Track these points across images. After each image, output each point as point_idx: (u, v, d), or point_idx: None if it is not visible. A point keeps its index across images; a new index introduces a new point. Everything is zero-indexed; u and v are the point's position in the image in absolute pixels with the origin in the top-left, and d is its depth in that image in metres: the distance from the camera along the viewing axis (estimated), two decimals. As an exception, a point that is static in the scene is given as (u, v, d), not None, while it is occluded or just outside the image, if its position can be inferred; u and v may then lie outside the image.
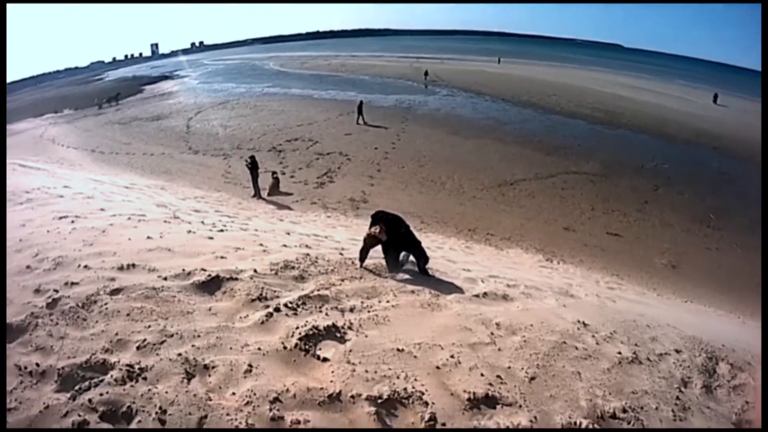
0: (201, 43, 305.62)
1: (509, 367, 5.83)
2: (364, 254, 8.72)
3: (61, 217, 10.38)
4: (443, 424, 4.68)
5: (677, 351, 7.64)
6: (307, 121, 40.15)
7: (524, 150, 31.34)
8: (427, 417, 4.72)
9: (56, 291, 6.50)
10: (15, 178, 16.20)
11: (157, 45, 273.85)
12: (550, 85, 59.34)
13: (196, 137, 37.98)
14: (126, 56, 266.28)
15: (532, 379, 5.69)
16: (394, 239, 8.69)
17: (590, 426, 5.07)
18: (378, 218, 8.85)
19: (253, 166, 23.66)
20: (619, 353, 6.84)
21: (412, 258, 9.12)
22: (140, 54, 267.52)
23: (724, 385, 6.97)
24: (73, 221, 10.05)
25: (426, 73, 62.90)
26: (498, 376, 5.57)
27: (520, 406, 5.15)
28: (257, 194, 23.81)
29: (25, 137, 46.75)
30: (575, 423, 5.06)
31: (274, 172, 25.31)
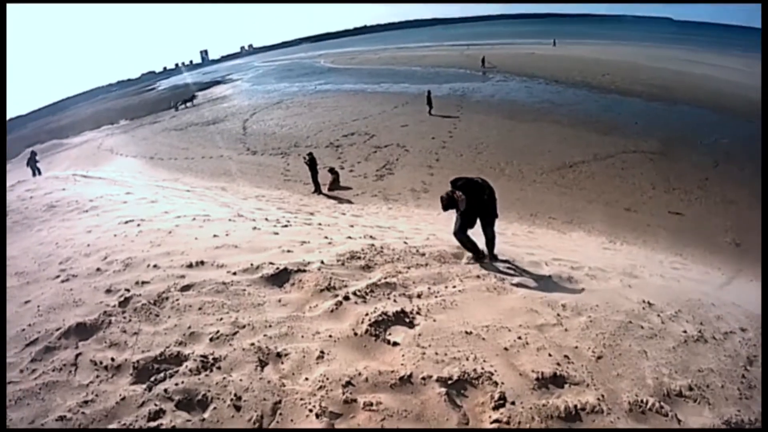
0: (250, 46, 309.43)
1: (576, 347, 5.86)
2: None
3: (126, 222, 10.74)
4: (512, 403, 4.76)
5: (742, 329, 7.55)
6: (362, 115, 40.22)
7: (581, 131, 30.82)
8: (497, 396, 4.79)
9: (127, 290, 6.79)
10: (78, 188, 16.71)
11: (206, 51, 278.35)
12: (603, 63, 58.09)
13: (253, 138, 38.40)
14: (176, 65, 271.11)
15: (599, 358, 5.72)
16: (474, 206, 8.67)
17: (657, 403, 5.06)
18: (457, 183, 8.80)
19: (311, 163, 23.83)
20: (685, 332, 6.80)
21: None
22: (191, 61, 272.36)
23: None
24: (138, 224, 10.39)
25: (483, 60, 62.04)
26: (565, 356, 5.61)
27: (588, 385, 5.19)
28: (318, 190, 23.98)
29: (84, 149, 47.95)
30: (642, 401, 5.08)
31: (332, 168, 25.42)
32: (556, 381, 5.16)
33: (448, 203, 8.70)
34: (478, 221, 8.85)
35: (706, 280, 12.41)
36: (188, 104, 65.89)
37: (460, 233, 8.62)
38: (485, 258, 8.66)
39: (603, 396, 5.04)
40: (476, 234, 8.78)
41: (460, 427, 4.52)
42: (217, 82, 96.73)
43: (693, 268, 14.14)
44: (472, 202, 8.59)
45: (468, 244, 8.66)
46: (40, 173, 31.46)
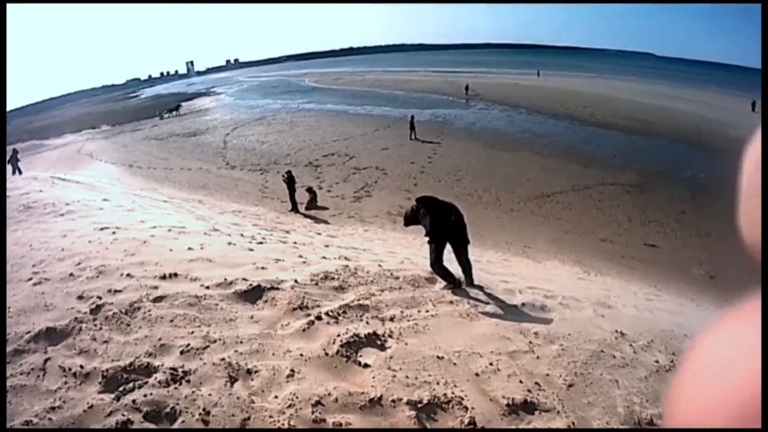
0: (236, 60, 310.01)
1: (547, 375, 5.87)
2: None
3: (102, 228, 10.63)
4: (482, 429, 4.75)
5: (716, 361, 7.59)
6: (344, 136, 40.34)
7: (560, 162, 31.11)
8: (466, 421, 4.79)
9: (99, 298, 6.72)
10: (55, 191, 16.56)
11: (192, 62, 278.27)
12: (585, 96, 58.95)
13: (233, 152, 38.35)
14: (162, 73, 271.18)
15: (570, 386, 5.72)
16: (440, 227, 8.70)
17: (628, 432, 5.10)
18: (421, 201, 8.97)
19: (290, 181, 23.73)
20: (657, 362, 6.82)
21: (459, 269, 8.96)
22: (176, 71, 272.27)
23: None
24: (114, 232, 10.29)
25: (467, 88, 62.52)
26: (536, 383, 5.61)
27: (558, 412, 5.19)
28: (294, 209, 23.90)
29: (65, 152, 47.74)
30: (612, 429, 5.09)
31: (310, 187, 25.37)
32: (527, 407, 5.15)
33: (411, 218, 9.05)
34: (450, 247, 8.84)
35: (680, 311, 12.50)
36: (173, 113, 66.01)
37: (437, 265, 8.56)
38: (461, 286, 8.65)
39: (573, 423, 5.04)
40: (451, 261, 8.80)
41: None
42: (200, 94, 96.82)
43: (667, 300, 14.25)
44: (438, 223, 8.66)
45: (445, 275, 8.60)
46: (20, 172, 31.22)
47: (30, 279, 7.68)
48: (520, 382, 5.57)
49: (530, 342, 6.61)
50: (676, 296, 15.17)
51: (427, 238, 8.78)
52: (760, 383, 0.39)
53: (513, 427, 4.84)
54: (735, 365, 0.42)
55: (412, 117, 38.76)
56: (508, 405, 5.09)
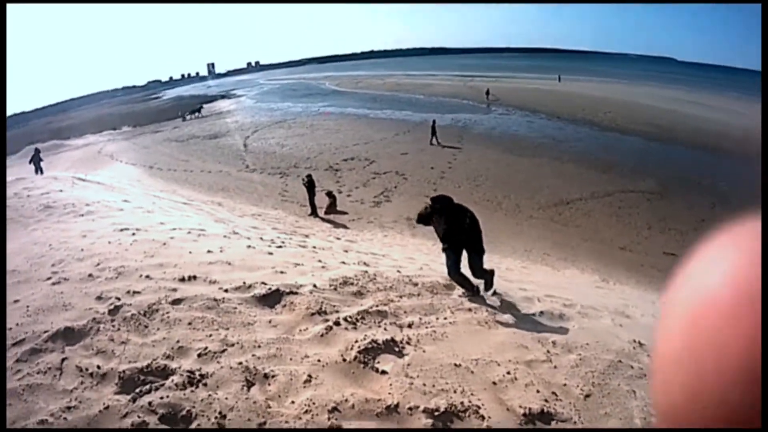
0: (257, 62, 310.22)
1: (565, 384, 5.84)
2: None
3: (122, 229, 10.72)
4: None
5: (733, 372, 7.50)
6: (364, 140, 40.33)
7: (580, 168, 30.96)
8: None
9: (118, 299, 6.78)
10: (75, 192, 16.67)
11: (213, 65, 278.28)
12: (605, 101, 58.51)
13: (253, 155, 38.46)
14: (183, 75, 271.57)
15: (588, 396, 5.69)
16: (454, 230, 8.53)
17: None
18: (437, 201, 8.83)
19: (310, 185, 23.81)
20: (675, 374, 6.74)
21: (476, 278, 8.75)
22: (197, 73, 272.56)
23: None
24: (133, 233, 10.37)
25: (487, 93, 62.49)
26: (553, 393, 5.60)
27: (575, 423, 5.18)
28: (314, 213, 23.95)
29: (85, 152, 48.04)
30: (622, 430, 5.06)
31: (330, 192, 25.43)
32: (543, 418, 5.14)
33: (425, 217, 8.88)
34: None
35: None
36: (196, 114, 66.40)
37: (454, 272, 8.43)
38: (479, 293, 8.58)
39: (590, 436, 5.02)
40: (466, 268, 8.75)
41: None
42: (221, 96, 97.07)
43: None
44: (452, 225, 8.50)
45: (463, 282, 8.49)
46: (42, 172, 31.41)
47: (49, 278, 7.76)
48: (537, 391, 5.55)
49: (548, 351, 6.58)
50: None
51: (441, 245, 8.63)
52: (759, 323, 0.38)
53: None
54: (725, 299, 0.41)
55: (434, 122, 38.62)
56: (524, 415, 5.07)
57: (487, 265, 9.01)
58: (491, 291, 8.81)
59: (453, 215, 8.55)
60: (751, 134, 37.21)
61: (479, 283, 8.71)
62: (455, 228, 8.50)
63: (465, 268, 8.59)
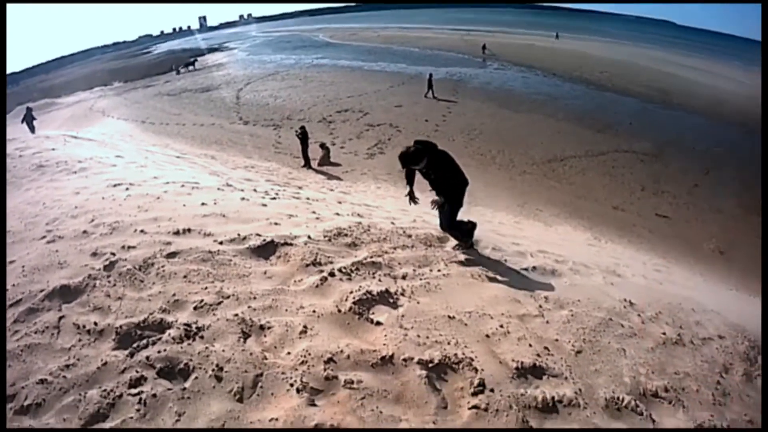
0: (249, 15, 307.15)
1: (556, 340, 5.90)
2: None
3: (115, 185, 10.66)
4: (491, 390, 4.77)
5: (720, 337, 7.56)
6: (357, 92, 40.26)
7: (575, 126, 31.04)
8: (476, 382, 4.81)
9: (113, 254, 6.75)
10: (67, 149, 16.59)
11: (205, 18, 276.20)
12: (602, 61, 58.49)
13: (246, 108, 38.40)
14: (174, 29, 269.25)
15: (579, 352, 5.75)
16: (464, 183, 7.95)
17: (633, 401, 5.11)
18: (432, 152, 7.77)
19: (303, 137, 23.89)
20: (664, 334, 6.82)
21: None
22: (188, 27, 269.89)
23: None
24: (127, 188, 10.32)
25: (484, 47, 62.63)
26: (545, 348, 5.64)
27: (566, 378, 5.22)
28: (307, 164, 24.10)
29: (76, 109, 47.78)
30: (618, 398, 5.12)
31: (323, 143, 25.44)
32: (535, 372, 5.18)
33: (412, 158, 7.71)
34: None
35: (688, 286, 12.46)
36: (190, 68, 66.07)
37: (455, 224, 8.18)
38: (473, 246, 8.53)
39: (580, 390, 5.06)
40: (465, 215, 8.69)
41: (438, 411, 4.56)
42: (214, 50, 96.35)
43: (675, 272, 14.21)
44: (461, 177, 7.96)
45: (464, 233, 8.35)
46: (33, 131, 31.26)
47: (43, 237, 7.74)
48: (530, 345, 5.59)
49: (540, 306, 6.64)
50: (685, 269, 15.14)
51: (437, 198, 8.04)
52: None
53: (521, 390, 4.86)
54: None
55: (431, 75, 38.75)
56: (517, 368, 5.10)
57: (479, 219, 8.91)
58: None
59: (455, 165, 7.94)
60: (750, 103, 37.16)
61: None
62: (464, 180, 7.99)
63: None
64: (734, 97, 42.13)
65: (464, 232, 8.41)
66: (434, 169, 7.81)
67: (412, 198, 8.63)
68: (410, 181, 8.52)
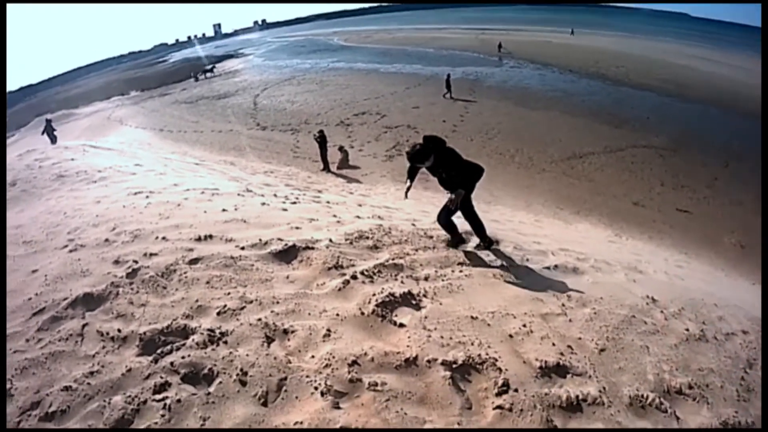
0: (264, 21, 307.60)
1: (580, 338, 5.89)
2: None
3: (135, 193, 10.77)
4: (515, 390, 4.79)
5: (744, 332, 7.51)
6: (374, 94, 40.20)
7: (593, 122, 30.81)
8: (500, 382, 4.84)
9: (135, 262, 6.83)
10: (87, 159, 16.76)
11: (219, 25, 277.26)
12: (619, 56, 57.99)
13: (263, 113, 38.50)
14: (189, 37, 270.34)
15: (602, 350, 5.75)
16: (477, 173, 7.84)
17: (657, 399, 5.09)
18: (431, 140, 7.84)
19: (321, 141, 23.89)
20: (687, 330, 6.79)
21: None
22: (203, 34, 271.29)
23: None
24: (147, 196, 10.41)
25: (500, 46, 62.50)
26: (569, 346, 5.64)
27: (590, 377, 5.22)
28: (326, 168, 24.08)
29: (94, 119, 48.12)
30: (642, 396, 5.12)
31: (342, 147, 25.49)
32: (559, 371, 5.19)
33: (422, 154, 7.72)
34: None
35: (710, 281, 12.38)
36: (208, 74, 66.41)
37: (475, 215, 8.07)
38: (492, 245, 8.46)
39: (604, 388, 5.07)
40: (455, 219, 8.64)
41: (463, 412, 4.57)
42: (229, 56, 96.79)
43: (697, 267, 14.12)
44: (474, 168, 7.86)
45: (454, 230, 8.37)
46: (56, 141, 31.48)
47: (65, 246, 7.85)
48: (553, 344, 5.60)
49: (563, 304, 6.63)
50: (707, 264, 15.03)
51: (450, 193, 7.80)
52: None
53: (545, 389, 4.87)
54: None
55: (448, 75, 38.68)
56: (540, 368, 5.12)
57: (499, 218, 8.90)
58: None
59: (455, 157, 7.78)
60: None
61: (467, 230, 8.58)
62: (477, 170, 7.84)
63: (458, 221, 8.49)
64: (749, 89, 41.61)
65: (455, 235, 8.43)
66: (443, 166, 7.81)
67: (407, 193, 8.64)
68: (411, 177, 8.52)
